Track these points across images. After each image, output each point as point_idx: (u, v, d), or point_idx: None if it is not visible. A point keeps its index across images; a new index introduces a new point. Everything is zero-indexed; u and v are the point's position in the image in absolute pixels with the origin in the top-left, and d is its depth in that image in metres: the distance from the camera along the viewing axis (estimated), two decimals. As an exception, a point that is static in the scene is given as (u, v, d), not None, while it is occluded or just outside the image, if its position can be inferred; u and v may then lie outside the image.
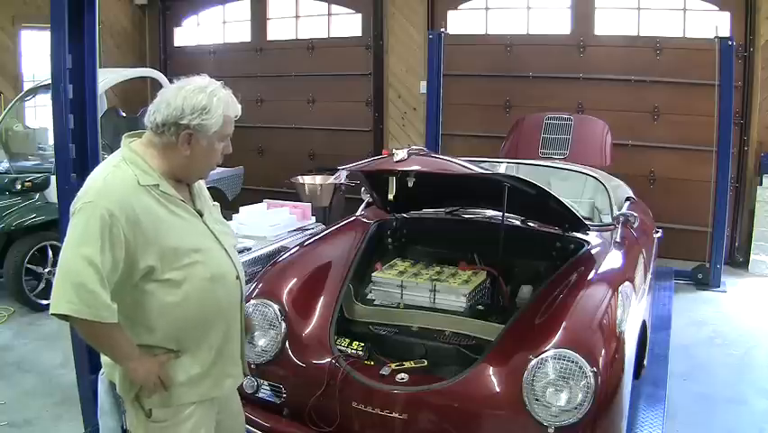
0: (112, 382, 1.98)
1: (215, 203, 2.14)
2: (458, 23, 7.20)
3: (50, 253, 5.00)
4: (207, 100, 1.81)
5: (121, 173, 1.80)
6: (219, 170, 6.39)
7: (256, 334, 2.64)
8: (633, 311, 2.66)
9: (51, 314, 1.72)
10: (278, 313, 2.69)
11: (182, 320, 1.86)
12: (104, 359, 2.00)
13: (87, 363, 2.85)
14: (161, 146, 1.86)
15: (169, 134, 1.82)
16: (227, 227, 2.13)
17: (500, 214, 3.04)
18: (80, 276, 1.68)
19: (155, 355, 1.87)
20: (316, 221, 5.29)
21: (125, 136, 1.92)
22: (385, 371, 2.51)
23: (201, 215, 1.96)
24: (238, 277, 2.01)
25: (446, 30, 6.43)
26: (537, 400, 2.21)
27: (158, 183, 1.84)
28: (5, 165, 5.47)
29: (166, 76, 6.72)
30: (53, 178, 4.99)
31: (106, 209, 1.71)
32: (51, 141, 5.58)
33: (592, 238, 3.20)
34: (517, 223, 3.32)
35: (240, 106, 1.94)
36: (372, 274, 3.10)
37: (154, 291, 1.81)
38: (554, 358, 2.24)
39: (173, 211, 1.86)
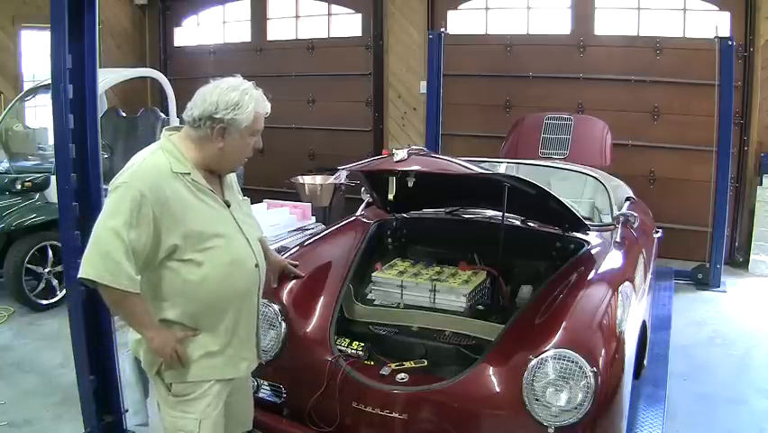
0: (137, 359, 2.13)
1: (246, 197, 2.32)
2: (458, 23, 7.20)
3: (50, 253, 4.99)
4: (240, 97, 1.98)
5: (156, 159, 1.98)
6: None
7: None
8: (633, 311, 2.66)
9: (79, 277, 1.90)
10: (278, 313, 2.68)
11: (201, 299, 2.01)
12: (130, 336, 2.13)
13: (87, 363, 2.84)
14: (197, 139, 2.02)
15: (204, 128, 1.99)
16: (253, 220, 2.29)
17: (500, 214, 3.04)
18: (107, 246, 1.86)
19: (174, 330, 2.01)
20: (316, 221, 5.30)
21: (165, 129, 2.10)
22: (385, 371, 2.51)
23: (228, 205, 2.11)
24: (257, 265, 2.14)
25: (446, 30, 6.43)
26: (537, 400, 2.21)
27: (189, 172, 2.00)
28: (5, 165, 5.46)
29: (166, 76, 6.72)
30: (53, 178, 4.98)
31: (138, 190, 1.88)
32: (51, 141, 5.58)
33: (592, 238, 3.20)
34: (517, 223, 3.32)
35: (269, 105, 2.10)
36: (372, 274, 3.10)
37: (176, 269, 1.97)
38: (554, 358, 2.24)
39: (201, 199, 2.01)
